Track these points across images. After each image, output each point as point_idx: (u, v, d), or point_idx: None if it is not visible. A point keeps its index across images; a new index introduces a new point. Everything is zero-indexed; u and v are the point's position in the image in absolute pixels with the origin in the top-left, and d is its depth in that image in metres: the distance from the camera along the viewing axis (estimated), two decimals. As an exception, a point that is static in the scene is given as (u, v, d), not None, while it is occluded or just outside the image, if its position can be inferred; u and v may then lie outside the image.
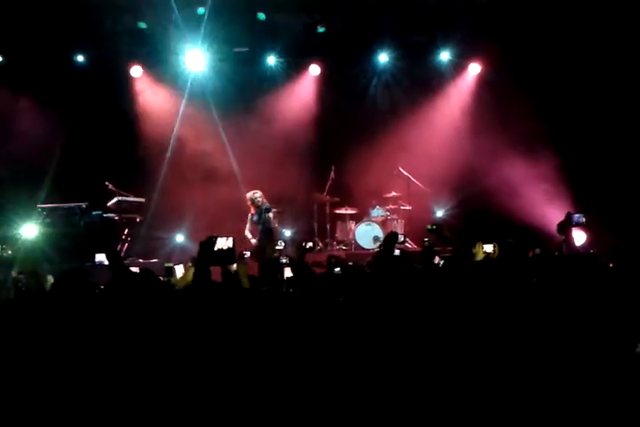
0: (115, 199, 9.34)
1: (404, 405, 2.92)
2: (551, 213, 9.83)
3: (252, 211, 9.16)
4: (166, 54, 10.65)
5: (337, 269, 4.91)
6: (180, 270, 4.79)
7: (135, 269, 4.48)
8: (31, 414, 2.76)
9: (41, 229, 8.64)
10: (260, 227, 9.05)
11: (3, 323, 3.30)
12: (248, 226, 9.20)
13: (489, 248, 4.92)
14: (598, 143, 9.89)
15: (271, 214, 9.08)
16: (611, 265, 4.29)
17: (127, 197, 9.49)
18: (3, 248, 7.51)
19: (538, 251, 5.14)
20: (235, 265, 4.31)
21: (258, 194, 9.14)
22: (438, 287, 3.75)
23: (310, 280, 3.85)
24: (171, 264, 4.86)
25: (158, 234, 10.13)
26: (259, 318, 3.37)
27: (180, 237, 10.47)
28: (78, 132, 10.34)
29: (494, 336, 3.28)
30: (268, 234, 8.95)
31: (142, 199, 9.67)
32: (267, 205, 9.12)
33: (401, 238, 9.69)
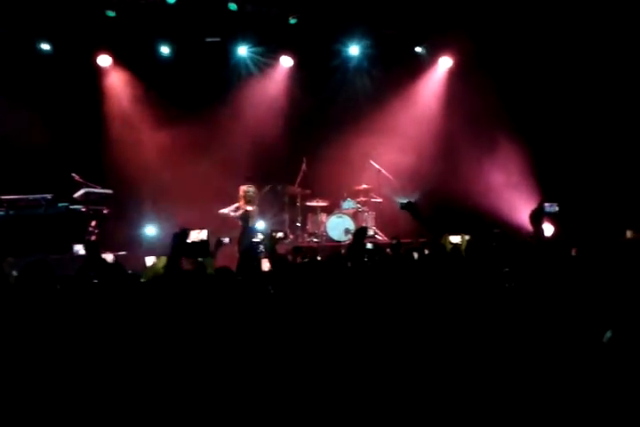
0: (82, 191, 9.12)
1: (392, 399, 2.93)
2: (519, 203, 9.99)
3: (241, 203, 9.03)
4: (136, 43, 10.45)
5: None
6: (150, 261, 4.72)
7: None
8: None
9: (4, 222, 8.42)
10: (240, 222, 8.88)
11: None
12: (227, 209, 9.01)
13: (456, 239, 4.95)
14: (566, 134, 10.07)
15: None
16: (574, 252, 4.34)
17: (94, 188, 9.28)
18: None
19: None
20: None
21: (252, 190, 9.06)
22: (413, 277, 3.77)
23: (286, 271, 3.84)
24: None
25: (126, 226, 9.98)
26: (233, 310, 3.34)
27: (150, 230, 10.34)
28: (43, 122, 10.07)
29: (472, 325, 3.31)
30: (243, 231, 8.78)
31: (110, 191, 9.46)
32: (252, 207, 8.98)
33: (370, 232, 9.74)
